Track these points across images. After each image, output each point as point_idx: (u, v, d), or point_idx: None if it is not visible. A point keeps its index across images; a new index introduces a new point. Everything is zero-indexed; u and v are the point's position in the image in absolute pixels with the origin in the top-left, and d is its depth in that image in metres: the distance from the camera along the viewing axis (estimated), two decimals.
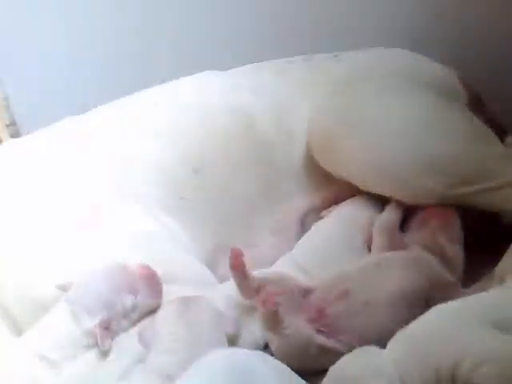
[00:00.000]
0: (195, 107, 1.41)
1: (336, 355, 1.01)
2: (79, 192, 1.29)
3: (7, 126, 1.94)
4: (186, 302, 1.08)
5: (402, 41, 1.53)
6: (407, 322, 0.96)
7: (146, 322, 1.12)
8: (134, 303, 1.11)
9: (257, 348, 1.09)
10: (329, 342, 1.07)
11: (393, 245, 1.23)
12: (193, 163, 1.35)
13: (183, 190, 1.34)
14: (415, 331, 0.94)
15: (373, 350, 0.94)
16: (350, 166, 1.30)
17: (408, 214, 1.30)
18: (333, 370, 0.93)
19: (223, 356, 0.94)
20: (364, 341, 1.00)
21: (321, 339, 1.07)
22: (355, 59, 1.47)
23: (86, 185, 1.29)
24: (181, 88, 1.47)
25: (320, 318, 1.09)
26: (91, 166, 1.32)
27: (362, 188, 1.32)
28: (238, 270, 1.13)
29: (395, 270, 1.15)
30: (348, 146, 1.29)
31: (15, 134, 1.91)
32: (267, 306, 1.08)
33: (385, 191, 1.29)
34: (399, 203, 1.29)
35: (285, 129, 1.40)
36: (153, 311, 1.13)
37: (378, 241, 1.25)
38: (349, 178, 1.32)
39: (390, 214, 1.28)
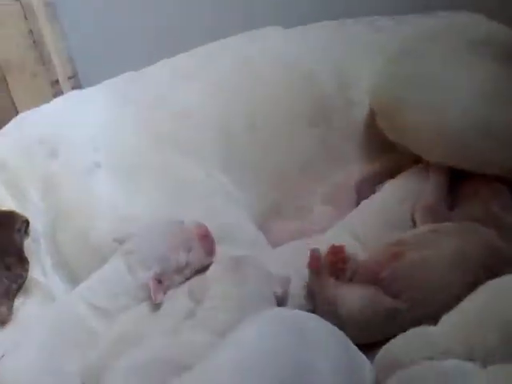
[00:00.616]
0: (254, 63, 1.40)
1: (394, 312, 1.04)
2: (135, 144, 1.30)
3: (69, 78, 1.96)
4: (237, 261, 1.10)
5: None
6: (463, 287, 1.00)
7: (196, 278, 1.14)
8: (187, 260, 1.14)
9: None
10: (379, 295, 1.07)
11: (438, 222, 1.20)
12: (248, 120, 1.35)
13: (238, 148, 1.34)
14: (484, 304, 0.93)
15: (425, 329, 0.93)
16: (412, 132, 1.27)
17: (453, 190, 1.27)
18: (388, 353, 0.92)
19: (277, 313, 0.96)
20: (424, 296, 1.02)
21: (369, 291, 1.07)
22: (420, 23, 1.43)
23: (143, 138, 1.31)
24: (241, 43, 1.46)
25: (376, 281, 1.08)
26: (148, 119, 1.33)
27: (422, 155, 1.29)
28: (315, 270, 1.11)
29: (453, 236, 1.13)
30: (412, 112, 1.26)
31: (77, 86, 1.93)
32: (312, 264, 1.09)
33: (447, 159, 1.26)
34: (442, 181, 1.27)
35: (345, 91, 1.38)
36: (204, 268, 1.15)
37: (421, 220, 1.22)
38: (410, 144, 1.29)
39: (432, 193, 1.25)
